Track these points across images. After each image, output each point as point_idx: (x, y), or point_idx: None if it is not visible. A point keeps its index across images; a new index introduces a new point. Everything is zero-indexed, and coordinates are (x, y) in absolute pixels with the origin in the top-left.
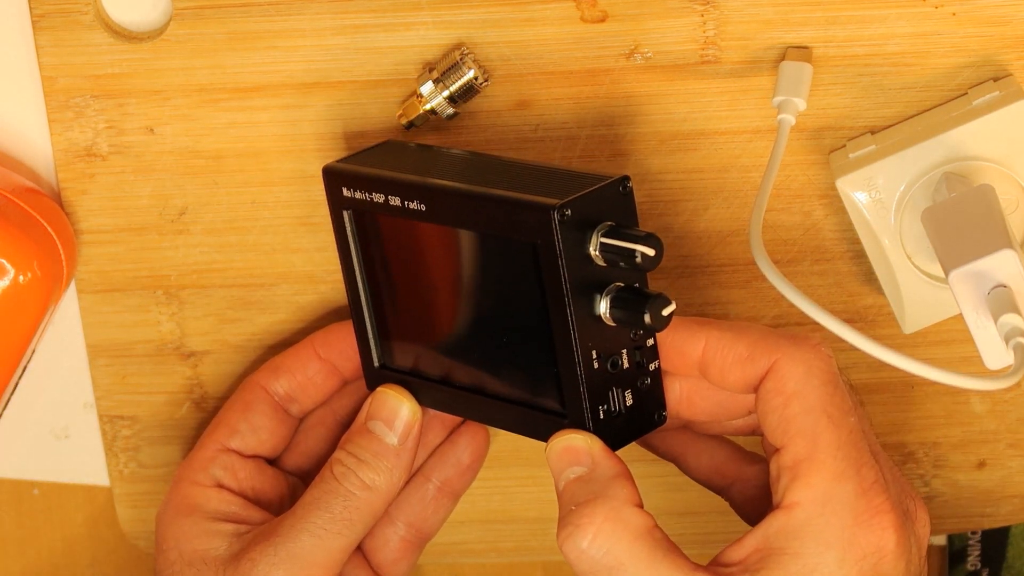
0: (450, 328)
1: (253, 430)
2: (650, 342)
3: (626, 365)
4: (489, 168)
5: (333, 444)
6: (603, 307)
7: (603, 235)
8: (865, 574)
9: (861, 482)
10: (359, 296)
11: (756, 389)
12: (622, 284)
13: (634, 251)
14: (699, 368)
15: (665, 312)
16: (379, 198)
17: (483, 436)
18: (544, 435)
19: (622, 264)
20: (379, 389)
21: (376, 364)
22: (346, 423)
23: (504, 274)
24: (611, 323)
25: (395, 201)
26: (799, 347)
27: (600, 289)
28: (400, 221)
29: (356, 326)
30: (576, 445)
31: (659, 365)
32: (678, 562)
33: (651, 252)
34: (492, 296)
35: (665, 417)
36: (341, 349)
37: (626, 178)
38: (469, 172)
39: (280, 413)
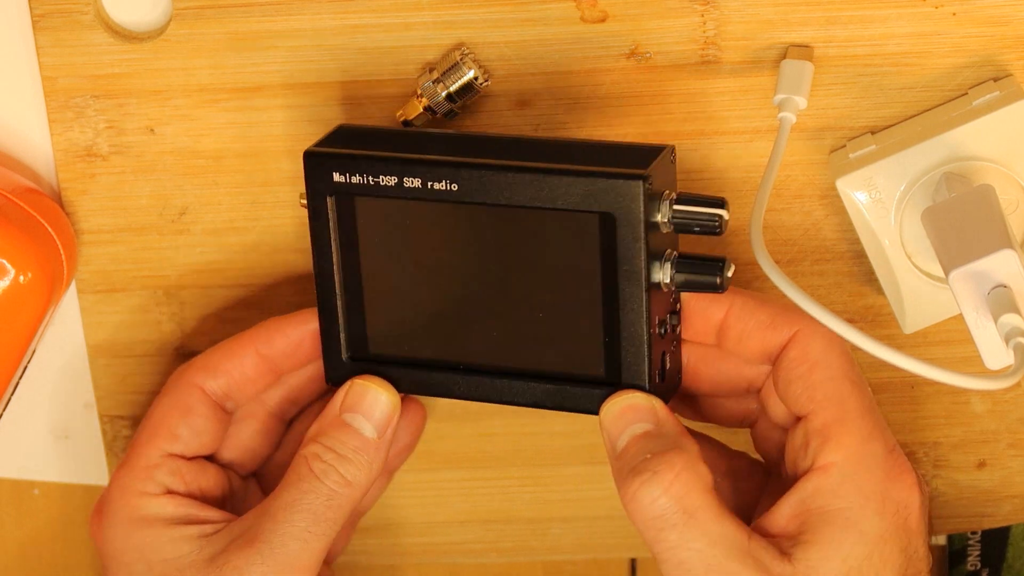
0: (463, 309)
1: (195, 434)
2: (678, 306)
3: (668, 330)
4: (512, 145)
5: (266, 435)
6: (664, 274)
7: (676, 203)
8: (899, 527)
9: (886, 443)
10: (333, 287)
11: (772, 359)
12: (674, 251)
13: (714, 215)
14: (718, 333)
15: (729, 273)
16: (389, 180)
17: (421, 414)
18: (581, 405)
19: (696, 229)
20: (355, 380)
21: (344, 356)
22: (276, 414)
23: (549, 247)
24: (668, 289)
25: (413, 183)
26: (816, 321)
27: (658, 257)
28: (408, 203)
29: (324, 318)
30: (639, 403)
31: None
32: (737, 521)
33: (727, 215)
34: (527, 271)
35: (681, 379)
36: (282, 346)
37: (672, 147)
38: (494, 150)
39: (218, 412)
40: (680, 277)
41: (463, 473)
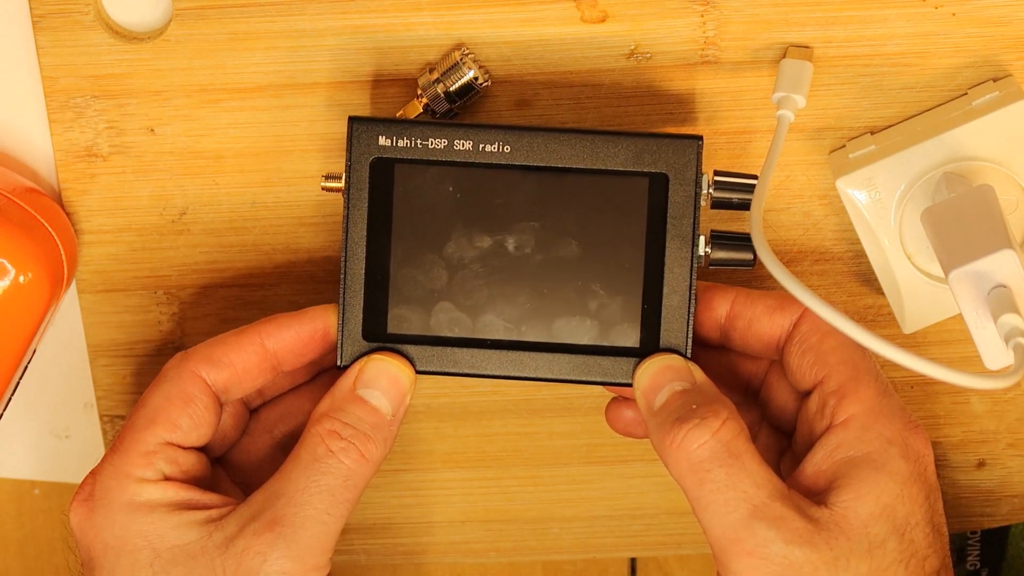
0: (492, 282)
1: (195, 425)
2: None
3: (695, 306)
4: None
5: (237, 420)
6: (700, 248)
7: (717, 175)
8: (920, 475)
9: (899, 400)
10: (360, 262)
11: (780, 345)
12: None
13: (751, 186)
14: (724, 325)
15: (756, 252)
16: (439, 143)
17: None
18: (613, 376)
19: (734, 201)
20: (372, 356)
21: (360, 336)
22: (245, 400)
23: (592, 215)
24: (701, 263)
25: (464, 145)
26: None
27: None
28: (448, 169)
29: (346, 295)
30: (676, 364)
31: None
32: (772, 471)
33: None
34: (566, 239)
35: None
36: (291, 342)
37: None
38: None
39: (216, 404)
40: (717, 254)
41: (463, 473)
